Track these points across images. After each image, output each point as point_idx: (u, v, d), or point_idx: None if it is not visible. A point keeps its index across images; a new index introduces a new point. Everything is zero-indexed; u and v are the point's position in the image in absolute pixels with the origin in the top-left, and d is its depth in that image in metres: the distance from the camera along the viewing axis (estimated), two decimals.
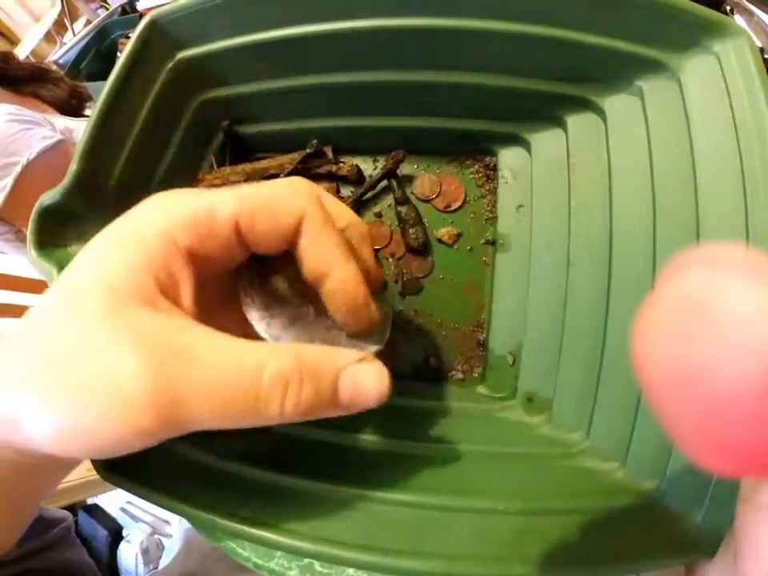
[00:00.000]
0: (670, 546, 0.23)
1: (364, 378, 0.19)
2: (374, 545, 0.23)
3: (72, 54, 1.25)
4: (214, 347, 0.17)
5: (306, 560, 0.26)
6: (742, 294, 0.09)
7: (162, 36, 0.30)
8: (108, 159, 0.29)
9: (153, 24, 0.29)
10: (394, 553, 0.22)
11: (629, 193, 0.28)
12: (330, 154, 0.37)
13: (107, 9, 1.45)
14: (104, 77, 0.28)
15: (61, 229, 0.28)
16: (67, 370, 0.16)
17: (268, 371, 0.17)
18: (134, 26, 1.28)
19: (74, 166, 0.27)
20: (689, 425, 0.11)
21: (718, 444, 0.10)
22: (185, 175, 0.36)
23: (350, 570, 0.25)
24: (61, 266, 0.26)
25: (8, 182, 0.67)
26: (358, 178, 0.37)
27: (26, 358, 0.17)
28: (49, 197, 0.27)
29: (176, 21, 0.29)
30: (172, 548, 0.52)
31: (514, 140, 0.34)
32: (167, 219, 0.19)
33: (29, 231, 0.26)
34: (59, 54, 1.30)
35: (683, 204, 0.25)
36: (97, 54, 1.27)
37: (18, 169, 0.66)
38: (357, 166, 0.37)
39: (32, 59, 1.71)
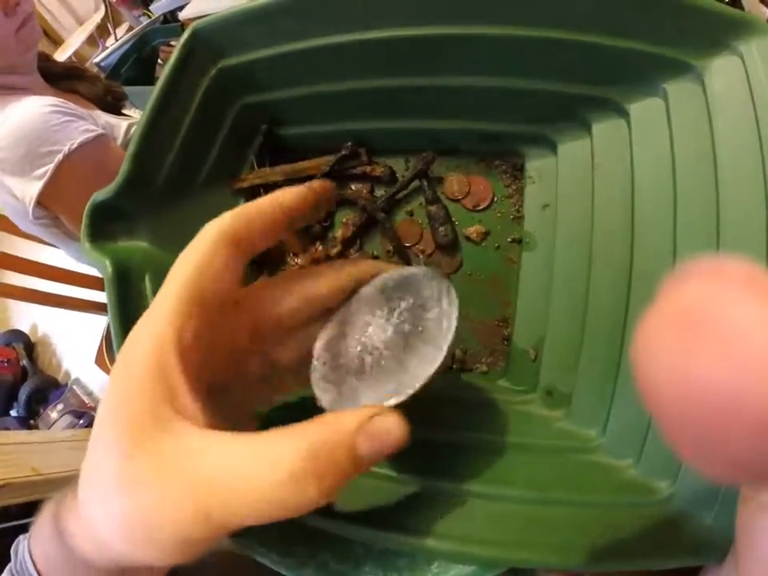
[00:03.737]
0: (677, 546, 0.23)
1: (381, 432, 0.19)
2: (387, 522, 0.24)
3: (114, 58, 1.28)
4: (233, 465, 0.18)
5: (322, 556, 0.26)
6: (742, 307, 0.09)
7: (203, 46, 0.32)
8: (156, 160, 0.32)
9: (194, 35, 0.31)
10: (403, 529, 0.24)
11: (651, 193, 0.28)
12: (364, 156, 0.38)
13: (150, 17, 1.48)
14: (143, 82, 0.30)
15: (112, 224, 0.31)
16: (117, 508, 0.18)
17: (284, 472, 0.17)
18: (174, 34, 1.29)
19: (125, 167, 0.30)
20: (689, 435, 0.11)
21: (718, 454, 0.10)
22: (227, 175, 0.38)
23: (366, 567, 0.26)
24: (112, 258, 0.29)
25: (50, 168, 0.70)
26: (390, 178, 0.38)
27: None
28: (102, 194, 0.30)
29: (215, 31, 0.31)
30: None
31: (541, 141, 0.35)
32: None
33: (83, 224, 0.29)
34: (101, 57, 1.33)
35: (704, 206, 0.25)
36: (137, 60, 1.27)
37: (60, 157, 0.70)
38: (390, 167, 0.38)
39: (74, 60, 1.79)
